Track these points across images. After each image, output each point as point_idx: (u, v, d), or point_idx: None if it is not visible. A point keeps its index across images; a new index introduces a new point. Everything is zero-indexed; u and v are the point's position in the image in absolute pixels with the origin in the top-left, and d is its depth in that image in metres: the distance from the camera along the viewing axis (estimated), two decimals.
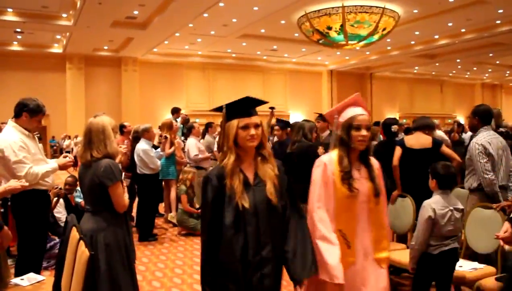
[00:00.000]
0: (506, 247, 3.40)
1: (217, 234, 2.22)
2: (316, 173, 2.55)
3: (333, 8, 13.89)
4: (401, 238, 4.72)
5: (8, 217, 5.34)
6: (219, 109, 2.35)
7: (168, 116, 11.34)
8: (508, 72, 28.65)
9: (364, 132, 2.47)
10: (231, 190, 2.22)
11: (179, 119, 10.41)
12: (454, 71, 28.64)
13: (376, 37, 15.11)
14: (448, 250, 3.21)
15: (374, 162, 2.64)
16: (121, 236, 3.06)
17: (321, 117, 6.24)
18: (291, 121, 7.46)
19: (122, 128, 7.78)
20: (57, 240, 5.21)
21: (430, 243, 3.23)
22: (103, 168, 2.97)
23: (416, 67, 26.66)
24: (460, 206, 3.30)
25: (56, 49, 19.90)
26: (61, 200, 5.78)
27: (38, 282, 3.46)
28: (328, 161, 2.54)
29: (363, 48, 17.69)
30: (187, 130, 8.71)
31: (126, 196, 3.13)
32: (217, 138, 8.31)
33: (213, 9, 13.62)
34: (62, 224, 5.22)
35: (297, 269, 2.26)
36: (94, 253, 2.56)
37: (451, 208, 3.24)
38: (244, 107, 2.28)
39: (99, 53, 20.23)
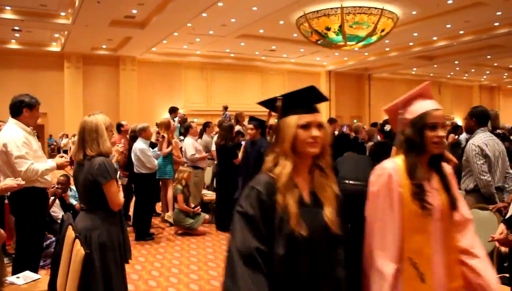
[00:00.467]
0: (502, 248, 3.41)
1: (259, 269, 1.62)
2: (377, 185, 2.02)
3: (331, 9, 13.89)
4: None
5: (4, 216, 5.34)
6: (271, 102, 1.84)
7: (166, 115, 11.34)
8: (506, 74, 28.69)
9: (441, 132, 2.01)
10: (284, 210, 1.67)
11: (176, 119, 10.41)
12: (452, 73, 28.69)
13: (374, 38, 15.12)
14: None
15: (446, 167, 2.13)
16: (116, 234, 3.06)
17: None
18: None
19: (119, 127, 7.80)
20: (53, 238, 5.20)
21: None
22: (97, 166, 2.97)
23: (415, 69, 26.68)
24: None
25: (54, 47, 19.85)
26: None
27: (33, 280, 3.46)
28: (393, 170, 2.02)
29: (362, 49, 17.71)
30: (185, 129, 8.70)
31: (121, 195, 3.14)
32: (214, 138, 8.32)
33: (211, 9, 13.60)
34: (59, 222, 5.22)
35: None
36: (89, 252, 2.56)
37: None
38: (306, 100, 1.80)
39: (97, 52, 20.19)
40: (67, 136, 19.10)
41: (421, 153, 2.03)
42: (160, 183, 7.61)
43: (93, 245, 2.91)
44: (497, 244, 2.89)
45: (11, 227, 5.42)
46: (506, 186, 4.34)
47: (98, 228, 2.99)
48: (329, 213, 1.76)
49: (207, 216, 7.33)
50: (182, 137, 9.04)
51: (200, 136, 8.96)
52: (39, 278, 3.50)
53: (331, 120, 9.22)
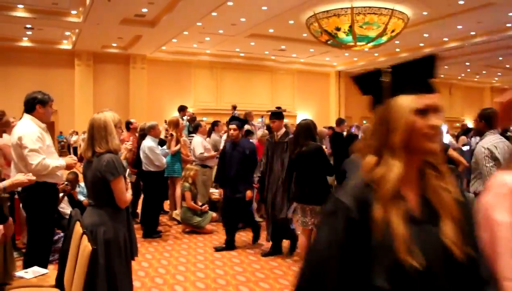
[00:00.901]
0: None
1: None
2: (500, 204, 1.51)
3: (342, 9, 13.86)
4: None
5: (14, 211, 5.41)
6: (372, 77, 1.41)
7: (175, 114, 11.38)
8: None
9: None
10: (386, 231, 1.17)
11: (185, 117, 10.44)
12: (463, 75, 28.47)
13: (384, 38, 15.06)
14: None
15: None
16: (121, 231, 3.08)
17: (274, 115, 5.85)
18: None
19: (128, 125, 7.86)
20: (62, 234, 5.25)
21: None
22: (105, 163, 3.00)
23: None
24: None
25: (65, 45, 20.00)
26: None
27: (42, 275, 3.50)
28: None
29: (372, 49, 17.62)
30: (194, 128, 8.74)
31: (129, 192, 3.16)
32: (224, 137, 8.33)
33: (221, 8, 13.63)
34: (67, 218, 5.28)
35: None
36: (96, 248, 2.58)
37: None
38: (424, 73, 1.36)
39: (107, 50, 20.31)
40: (77, 133, 19.24)
41: None
42: (169, 181, 7.64)
43: (98, 240, 2.94)
44: None
45: (21, 222, 5.48)
46: None
47: (104, 224, 3.02)
48: (449, 229, 1.22)
49: (214, 214, 7.36)
50: (193, 135, 9.06)
51: (209, 135, 8.98)
52: (47, 273, 3.54)
53: (339, 121, 9.19)
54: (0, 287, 3.23)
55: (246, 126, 9.11)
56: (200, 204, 7.26)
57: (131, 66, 21.39)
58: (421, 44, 19.58)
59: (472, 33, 17.39)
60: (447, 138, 8.87)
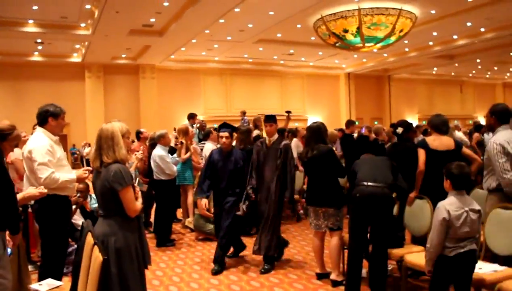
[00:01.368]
0: None
1: None
2: None
3: (349, 11, 13.82)
4: (419, 240, 4.65)
5: (28, 224, 5.45)
6: None
7: (186, 122, 11.42)
8: None
9: None
10: None
11: (195, 125, 10.47)
12: (474, 72, 28.22)
13: (393, 39, 14.97)
14: (465, 252, 3.15)
15: None
16: (132, 240, 3.09)
17: (271, 119, 5.60)
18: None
19: (138, 135, 7.90)
20: (75, 246, 5.28)
21: (446, 245, 3.17)
22: (113, 173, 3.01)
23: (435, 68, 26.34)
24: (477, 207, 3.22)
25: (75, 58, 20.23)
26: None
27: (56, 287, 3.51)
28: None
29: (381, 50, 17.55)
30: (204, 135, 8.75)
31: (139, 201, 3.16)
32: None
33: (229, 14, 13.68)
34: (79, 229, 5.30)
35: None
36: (107, 258, 2.58)
37: (467, 209, 3.17)
38: None
39: (117, 62, 20.51)
40: (89, 145, 19.37)
41: None
42: (180, 189, 7.66)
43: (109, 250, 2.95)
44: None
45: (35, 235, 5.53)
46: None
47: (115, 234, 3.03)
48: None
49: None
50: (204, 142, 9.06)
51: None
52: (61, 285, 3.56)
53: (349, 123, 9.15)
54: None
55: (256, 132, 9.12)
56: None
57: (140, 76, 21.55)
58: (430, 43, 19.45)
59: (482, 29, 17.22)
60: (458, 136, 8.77)
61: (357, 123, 13.23)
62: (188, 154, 7.41)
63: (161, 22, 14.93)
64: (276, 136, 5.59)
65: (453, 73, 28.43)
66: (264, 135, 5.77)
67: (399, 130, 5.25)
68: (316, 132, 5.11)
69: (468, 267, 3.19)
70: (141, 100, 21.53)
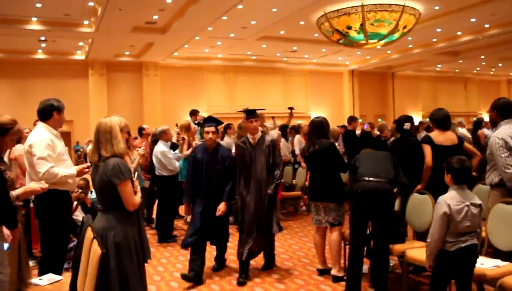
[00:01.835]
0: None
1: None
2: None
3: (352, 7, 13.75)
4: (421, 235, 4.63)
5: (30, 219, 5.46)
6: None
7: (188, 119, 11.40)
8: None
9: None
10: None
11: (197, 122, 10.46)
12: (478, 68, 28.07)
13: (396, 35, 14.90)
14: (466, 246, 3.12)
15: None
16: (132, 234, 3.08)
17: (253, 115, 5.14)
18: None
19: (141, 131, 7.90)
20: (76, 241, 5.29)
21: (447, 240, 3.15)
22: (111, 167, 3.01)
23: (439, 65, 26.21)
24: (478, 201, 3.20)
25: (79, 56, 20.26)
26: None
27: (56, 281, 3.53)
28: None
29: (384, 47, 17.46)
30: None
31: (138, 195, 3.15)
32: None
33: (232, 11, 13.65)
34: (79, 224, 5.31)
35: None
36: (105, 251, 2.58)
37: (468, 203, 3.15)
38: None
39: (120, 59, 20.51)
40: None
41: None
42: (183, 185, 7.65)
43: (108, 245, 2.95)
44: None
45: (37, 230, 5.53)
46: None
47: (114, 228, 3.02)
48: None
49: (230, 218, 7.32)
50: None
51: (222, 138, 8.99)
52: (61, 279, 3.57)
53: (351, 119, 9.12)
54: None
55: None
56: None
57: (144, 73, 21.55)
58: (434, 40, 19.35)
59: (487, 25, 17.11)
60: (461, 132, 8.74)
61: (360, 120, 13.19)
62: (190, 149, 7.40)
63: (164, 19, 14.92)
64: (259, 134, 5.14)
65: (457, 70, 28.29)
66: (248, 135, 5.16)
67: (407, 126, 5.15)
68: (319, 127, 5.08)
69: (469, 261, 3.17)
70: (145, 98, 21.54)
